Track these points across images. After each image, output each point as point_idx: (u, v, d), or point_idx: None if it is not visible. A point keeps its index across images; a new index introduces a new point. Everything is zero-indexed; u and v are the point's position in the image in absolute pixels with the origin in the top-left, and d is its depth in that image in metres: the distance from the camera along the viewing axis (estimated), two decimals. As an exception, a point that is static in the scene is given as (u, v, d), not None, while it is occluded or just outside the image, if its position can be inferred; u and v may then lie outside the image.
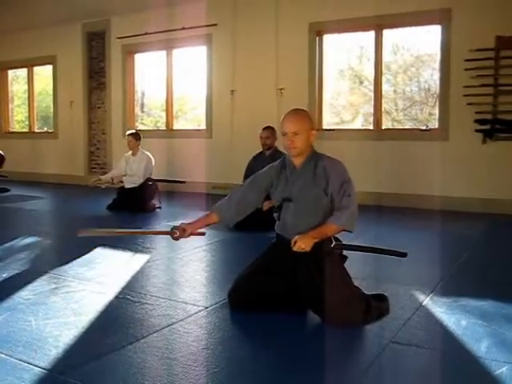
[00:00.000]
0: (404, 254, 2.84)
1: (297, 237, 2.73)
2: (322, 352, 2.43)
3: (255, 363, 2.34)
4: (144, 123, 9.99)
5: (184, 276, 3.72)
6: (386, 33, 7.32)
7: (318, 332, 2.69)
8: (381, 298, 2.93)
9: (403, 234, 5.29)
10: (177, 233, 2.90)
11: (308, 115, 2.97)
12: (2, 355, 2.28)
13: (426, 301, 3.10)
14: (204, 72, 8.73)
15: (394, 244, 4.78)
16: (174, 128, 9.33)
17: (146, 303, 3.03)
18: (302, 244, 2.70)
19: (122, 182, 6.88)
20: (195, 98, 9.72)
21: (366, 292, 2.89)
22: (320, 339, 2.60)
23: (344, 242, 2.92)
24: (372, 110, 7.61)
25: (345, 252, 2.93)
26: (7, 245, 4.60)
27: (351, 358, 2.45)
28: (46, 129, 11.26)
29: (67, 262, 3.94)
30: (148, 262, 4.05)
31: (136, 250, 4.41)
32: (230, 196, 3.07)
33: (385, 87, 7.62)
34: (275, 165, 3.06)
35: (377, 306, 2.83)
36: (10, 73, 11.52)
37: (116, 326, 2.69)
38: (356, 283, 2.90)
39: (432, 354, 2.39)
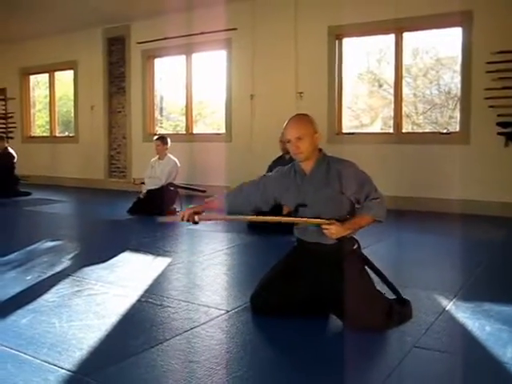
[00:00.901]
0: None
1: (334, 221, 2.73)
2: (344, 356, 2.42)
3: (277, 367, 2.33)
4: (163, 127, 10.05)
5: (205, 279, 3.74)
6: (406, 36, 7.28)
7: (339, 336, 2.68)
8: (403, 303, 2.92)
9: (424, 239, 5.26)
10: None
11: (310, 119, 2.94)
12: (28, 356, 2.31)
13: (449, 306, 3.07)
14: (223, 76, 8.77)
15: (414, 248, 4.81)
16: (194, 132, 9.38)
17: (168, 306, 3.05)
18: (334, 230, 2.71)
19: (143, 183, 6.93)
20: (214, 102, 9.77)
21: (387, 296, 2.88)
22: (342, 343, 2.59)
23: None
24: (391, 114, 7.58)
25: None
26: (30, 248, 4.65)
27: (373, 362, 2.44)
28: (66, 133, 11.39)
29: (89, 265, 3.98)
30: (169, 265, 4.07)
31: (157, 254, 4.43)
32: (240, 188, 3.08)
33: (405, 90, 7.57)
34: (285, 171, 3.04)
35: (399, 310, 2.81)
36: (32, 78, 11.68)
37: (139, 328, 2.70)
38: (377, 287, 2.89)
39: (456, 359, 2.36)
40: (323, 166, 2.88)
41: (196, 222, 2.89)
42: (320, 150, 2.94)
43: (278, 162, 5.75)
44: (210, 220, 2.94)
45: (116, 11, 9.09)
